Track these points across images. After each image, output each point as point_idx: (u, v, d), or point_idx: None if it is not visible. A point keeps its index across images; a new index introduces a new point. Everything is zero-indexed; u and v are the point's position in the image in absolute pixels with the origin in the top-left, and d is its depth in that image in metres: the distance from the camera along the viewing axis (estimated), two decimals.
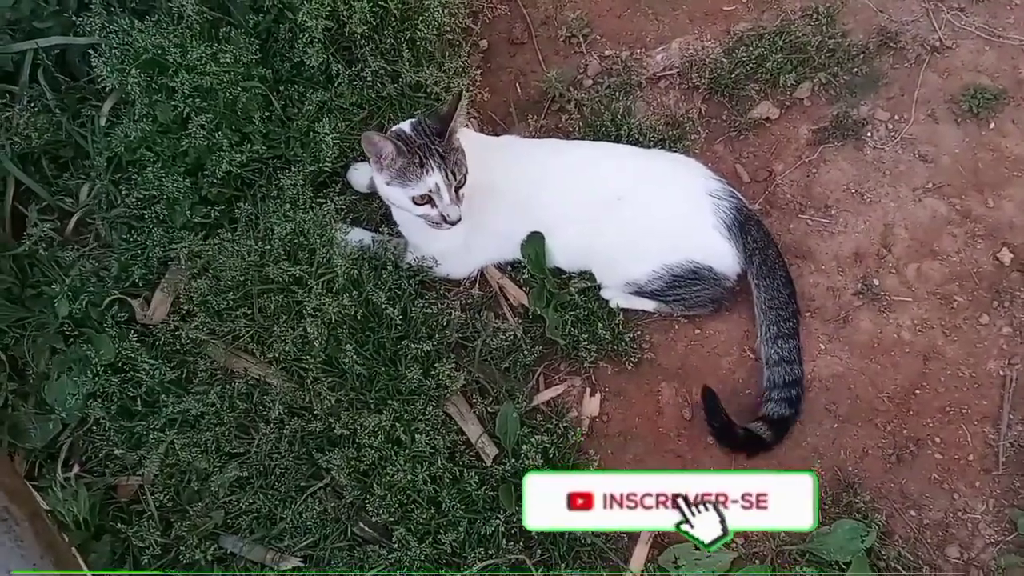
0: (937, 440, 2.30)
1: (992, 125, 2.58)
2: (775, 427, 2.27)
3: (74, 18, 2.46)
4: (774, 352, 2.30)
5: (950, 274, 2.45)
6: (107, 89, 2.48)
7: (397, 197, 2.19)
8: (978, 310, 2.41)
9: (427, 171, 2.11)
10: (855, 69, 2.66)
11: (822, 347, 2.40)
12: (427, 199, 2.14)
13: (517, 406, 2.29)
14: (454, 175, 2.13)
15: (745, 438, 2.27)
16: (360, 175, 2.54)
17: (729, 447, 2.30)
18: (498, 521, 2.14)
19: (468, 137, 2.33)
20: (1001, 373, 2.35)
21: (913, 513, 2.25)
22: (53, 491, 2.16)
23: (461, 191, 2.18)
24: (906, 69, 2.68)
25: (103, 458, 2.27)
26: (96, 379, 2.23)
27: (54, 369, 2.29)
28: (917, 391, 2.35)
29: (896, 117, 2.62)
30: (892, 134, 2.61)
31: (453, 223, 2.17)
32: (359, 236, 2.43)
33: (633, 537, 2.23)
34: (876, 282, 2.45)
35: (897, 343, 2.40)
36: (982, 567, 2.19)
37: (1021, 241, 2.45)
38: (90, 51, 2.44)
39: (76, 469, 2.24)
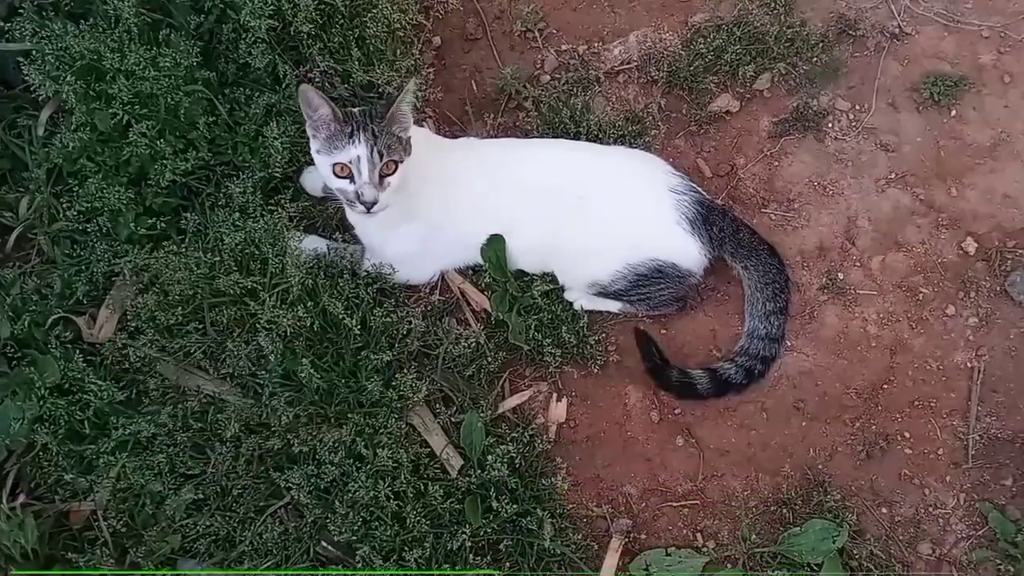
0: (906, 435, 2.29)
1: (953, 112, 2.57)
2: (717, 384, 2.28)
3: (3, 24, 2.34)
4: (763, 328, 2.30)
5: (915, 266, 2.43)
6: (43, 97, 2.36)
7: (322, 166, 2.11)
8: (944, 301, 2.40)
9: (353, 142, 2.04)
10: (814, 59, 2.63)
11: (788, 343, 2.37)
12: (347, 173, 2.06)
13: (482, 415, 2.24)
14: (381, 156, 2.05)
15: (678, 381, 2.28)
16: (314, 179, 2.46)
17: (661, 387, 2.32)
18: (465, 535, 2.08)
19: (424, 138, 2.27)
20: (969, 365, 2.34)
21: (884, 510, 2.24)
22: None
23: (388, 180, 2.08)
24: (866, 57, 2.65)
25: (52, 484, 2.17)
26: (41, 402, 2.13)
27: None
28: (885, 386, 2.33)
29: (857, 107, 2.60)
30: (853, 124, 2.58)
31: (368, 205, 2.07)
32: (313, 244, 2.36)
33: (603, 546, 2.19)
34: (841, 276, 2.43)
35: (864, 337, 2.37)
36: (954, 563, 2.18)
37: (985, 230, 2.44)
38: (22, 58, 2.32)
39: (23, 497, 2.13)
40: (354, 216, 2.30)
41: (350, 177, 2.06)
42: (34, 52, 2.33)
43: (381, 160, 2.05)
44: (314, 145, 2.10)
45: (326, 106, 2.04)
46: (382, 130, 2.06)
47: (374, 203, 2.07)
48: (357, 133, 2.04)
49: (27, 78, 2.30)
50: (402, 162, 2.10)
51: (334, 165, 2.06)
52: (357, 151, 2.04)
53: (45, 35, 2.32)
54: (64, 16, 2.39)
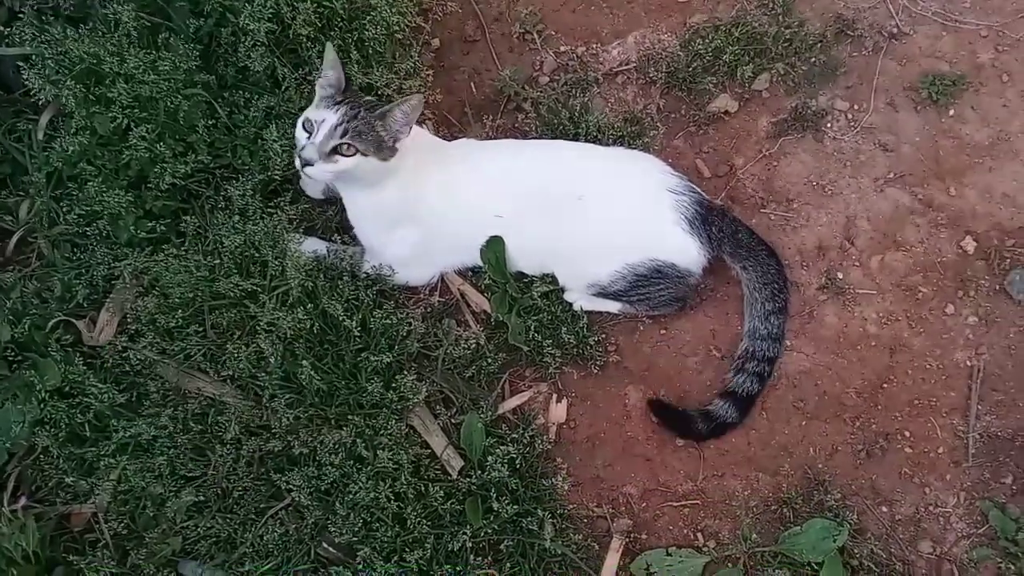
0: (906, 434, 2.28)
1: (952, 112, 2.56)
2: (741, 404, 2.27)
3: (3, 28, 2.35)
4: (764, 328, 2.29)
5: (914, 265, 2.43)
6: (43, 101, 2.37)
7: (302, 115, 2.15)
8: (943, 300, 2.39)
9: (333, 109, 2.08)
10: (813, 59, 2.63)
11: (788, 343, 2.36)
12: (310, 129, 2.09)
13: (482, 415, 2.24)
14: (345, 132, 2.07)
15: (707, 427, 2.26)
16: (313, 182, 2.45)
17: (697, 441, 2.29)
18: (465, 536, 2.08)
19: (423, 140, 2.27)
20: (968, 363, 2.33)
21: (884, 509, 2.23)
22: None
23: (338, 158, 2.09)
24: (864, 57, 2.65)
25: (53, 487, 2.18)
26: (42, 405, 2.14)
27: None
28: (885, 385, 2.33)
29: (855, 106, 2.60)
30: (852, 124, 2.58)
31: (303, 163, 2.08)
32: (313, 246, 2.36)
33: (604, 546, 2.19)
34: (840, 275, 2.42)
35: (863, 337, 2.37)
36: (955, 561, 2.18)
37: (984, 229, 2.44)
38: (22, 63, 2.32)
39: (24, 500, 2.14)
40: (354, 217, 2.32)
41: (310, 135, 2.09)
42: (34, 56, 2.34)
43: (342, 137, 2.07)
44: (313, 100, 2.16)
45: (336, 72, 2.11)
46: (366, 118, 2.08)
47: (308, 164, 2.09)
48: (341, 106, 2.08)
49: (27, 82, 2.32)
50: (366, 155, 2.10)
51: (304, 119, 2.11)
52: (326, 116, 2.08)
53: (45, 39, 2.34)
54: (63, 20, 2.40)
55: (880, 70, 2.62)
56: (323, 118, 2.08)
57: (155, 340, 2.23)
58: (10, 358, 2.22)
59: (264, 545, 2.11)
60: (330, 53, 2.10)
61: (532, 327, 2.32)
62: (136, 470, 2.13)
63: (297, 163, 2.11)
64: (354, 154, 2.09)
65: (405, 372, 2.24)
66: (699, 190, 2.31)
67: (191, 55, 2.35)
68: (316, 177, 2.13)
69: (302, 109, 2.37)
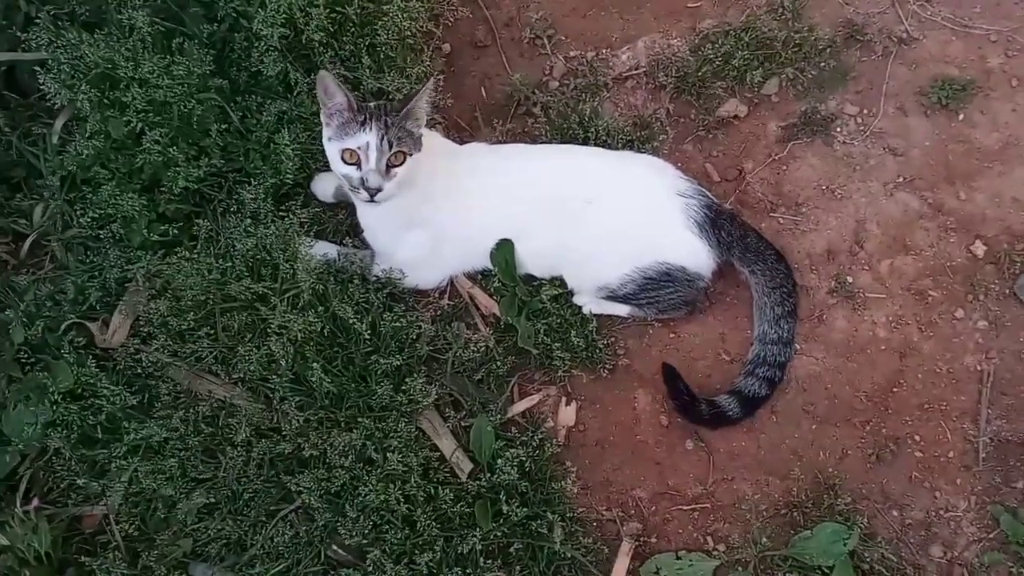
0: (916, 438, 2.28)
1: (961, 116, 2.57)
2: (746, 404, 2.27)
3: (20, 33, 2.37)
4: (774, 332, 2.29)
5: (924, 269, 2.43)
6: (58, 106, 2.39)
7: (331, 154, 2.13)
8: (953, 305, 2.39)
9: (365, 129, 2.07)
10: (822, 63, 2.64)
11: (798, 347, 2.37)
12: (355, 159, 2.09)
13: (491, 418, 2.25)
14: (390, 145, 2.07)
15: (710, 414, 2.26)
16: (324, 185, 2.48)
17: (693, 422, 2.30)
18: (475, 539, 2.09)
19: (434, 143, 2.28)
20: (978, 368, 2.33)
21: (895, 513, 2.23)
22: (11, 526, 2.08)
23: (395, 170, 2.10)
24: (874, 62, 2.65)
25: (65, 489, 2.20)
26: (55, 407, 2.15)
27: (11, 398, 2.20)
28: (895, 389, 2.33)
29: (865, 111, 2.60)
30: (861, 128, 2.58)
31: (372, 192, 2.09)
32: (324, 249, 2.37)
33: (613, 549, 2.19)
34: (850, 279, 2.42)
35: (873, 341, 2.37)
36: (966, 565, 2.17)
37: (994, 233, 2.44)
38: (38, 67, 2.34)
39: (36, 502, 2.15)
40: (364, 220, 2.33)
41: (357, 164, 2.09)
42: (50, 61, 2.36)
43: (390, 149, 2.08)
44: (326, 132, 2.13)
45: (341, 94, 2.07)
46: (395, 122, 2.08)
47: (378, 190, 2.09)
48: (369, 122, 2.07)
49: (42, 86, 2.33)
50: (411, 155, 2.11)
51: (343, 151, 2.09)
52: (367, 138, 2.06)
53: (61, 44, 2.35)
54: (79, 26, 2.42)
55: (890, 75, 2.63)
56: (364, 142, 2.07)
57: (167, 343, 2.24)
58: (23, 360, 2.23)
59: (274, 547, 2.12)
60: (326, 80, 2.06)
61: (541, 330, 2.33)
62: (147, 472, 2.14)
63: (363, 196, 2.12)
64: (403, 160, 2.11)
65: (415, 375, 2.24)
66: (708, 194, 2.31)
67: (205, 60, 2.37)
68: (385, 199, 2.12)
69: (314, 114, 2.41)
